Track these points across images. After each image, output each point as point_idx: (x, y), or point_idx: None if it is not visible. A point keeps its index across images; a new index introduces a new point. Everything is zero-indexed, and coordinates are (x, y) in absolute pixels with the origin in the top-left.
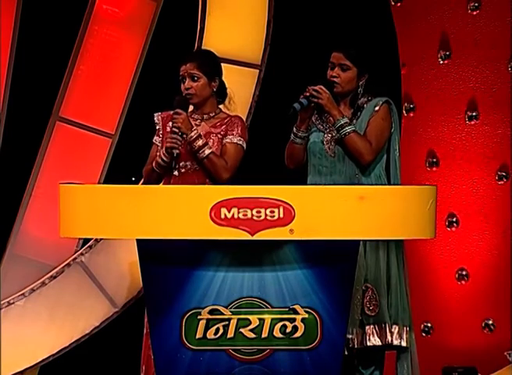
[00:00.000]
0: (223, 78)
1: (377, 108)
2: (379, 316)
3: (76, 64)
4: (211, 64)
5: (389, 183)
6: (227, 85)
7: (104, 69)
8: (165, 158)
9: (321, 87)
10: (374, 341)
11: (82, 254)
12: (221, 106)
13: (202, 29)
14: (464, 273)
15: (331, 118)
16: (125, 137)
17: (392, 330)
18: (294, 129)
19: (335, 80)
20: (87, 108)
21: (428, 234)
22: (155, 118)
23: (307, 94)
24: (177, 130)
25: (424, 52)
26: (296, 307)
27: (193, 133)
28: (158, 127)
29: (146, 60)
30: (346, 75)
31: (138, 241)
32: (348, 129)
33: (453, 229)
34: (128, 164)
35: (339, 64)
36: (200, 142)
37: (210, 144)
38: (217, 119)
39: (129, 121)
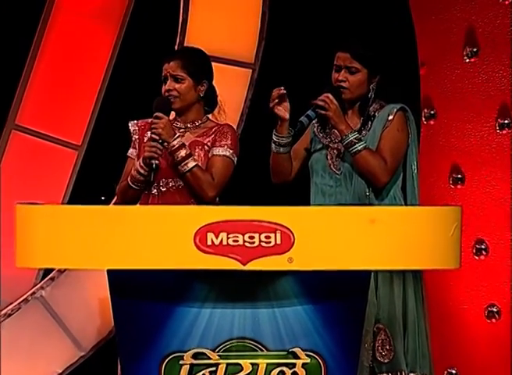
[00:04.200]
0: (214, 83)
1: (391, 117)
2: (394, 362)
3: (35, 62)
4: (199, 64)
5: (406, 204)
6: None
7: (69, 68)
8: (142, 171)
9: (329, 95)
10: None
11: (42, 288)
12: (209, 115)
13: (185, 21)
14: (494, 309)
15: (336, 131)
16: (93, 149)
17: None
18: (274, 136)
19: (342, 84)
20: (48, 114)
21: (451, 264)
22: (131, 127)
23: (313, 103)
24: (157, 137)
25: (447, 49)
26: (296, 350)
27: (175, 142)
28: (134, 138)
29: (119, 58)
30: (354, 78)
31: (109, 272)
32: (359, 146)
33: (482, 257)
34: (97, 181)
35: (345, 66)
36: (183, 153)
37: (195, 156)
38: (203, 129)
39: (99, 130)
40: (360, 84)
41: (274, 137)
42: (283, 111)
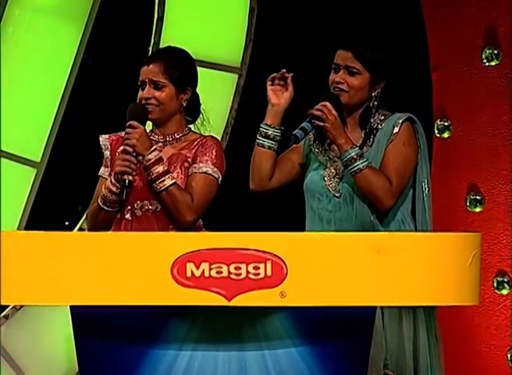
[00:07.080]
0: (197, 89)
1: (396, 129)
2: None
3: None
4: (183, 68)
5: (416, 230)
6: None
7: (26, 74)
8: (114, 189)
9: (326, 104)
10: None
11: None
12: (190, 126)
13: (161, 19)
14: None
15: (335, 146)
16: (54, 166)
17: None
18: (262, 125)
19: (340, 86)
20: (2, 128)
21: (469, 300)
22: (102, 142)
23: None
24: (131, 150)
25: (463, 51)
26: None
27: (151, 156)
28: (105, 154)
29: (84, 62)
30: (354, 81)
31: (73, 308)
32: (360, 164)
33: (504, 292)
34: (59, 203)
35: (345, 66)
36: (159, 168)
37: (174, 173)
38: (184, 142)
39: (60, 146)
40: (360, 89)
41: (262, 126)
42: (274, 93)
